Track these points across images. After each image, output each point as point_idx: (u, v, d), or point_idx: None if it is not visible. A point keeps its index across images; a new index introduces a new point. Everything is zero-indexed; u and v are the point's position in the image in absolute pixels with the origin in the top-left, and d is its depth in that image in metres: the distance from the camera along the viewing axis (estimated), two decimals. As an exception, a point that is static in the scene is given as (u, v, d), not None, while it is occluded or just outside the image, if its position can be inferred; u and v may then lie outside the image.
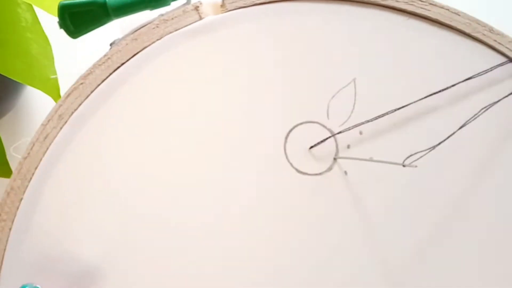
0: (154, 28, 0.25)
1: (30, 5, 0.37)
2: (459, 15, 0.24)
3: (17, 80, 0.36)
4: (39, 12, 0.35)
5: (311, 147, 0.24)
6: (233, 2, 0.25)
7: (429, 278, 0.23)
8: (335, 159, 0.24)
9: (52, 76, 0.34)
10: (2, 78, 0.35)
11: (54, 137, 0.25)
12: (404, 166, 0.22)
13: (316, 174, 0.24)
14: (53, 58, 0.37)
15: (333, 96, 0.24)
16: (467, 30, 0.24)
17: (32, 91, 0.45)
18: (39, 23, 0.37)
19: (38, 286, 0.23)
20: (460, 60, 0.25)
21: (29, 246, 0.23)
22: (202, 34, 0.25)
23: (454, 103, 0.24)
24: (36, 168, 0.24)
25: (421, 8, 0.25)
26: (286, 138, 0.24)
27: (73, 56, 0.39)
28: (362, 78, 0.24)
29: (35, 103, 0.45)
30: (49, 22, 0.32)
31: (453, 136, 0.23)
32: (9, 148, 0.34)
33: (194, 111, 0.25)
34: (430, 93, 0.24)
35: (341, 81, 0.24)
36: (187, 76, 0.25)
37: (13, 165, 0.32)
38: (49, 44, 0.37)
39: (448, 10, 0.24)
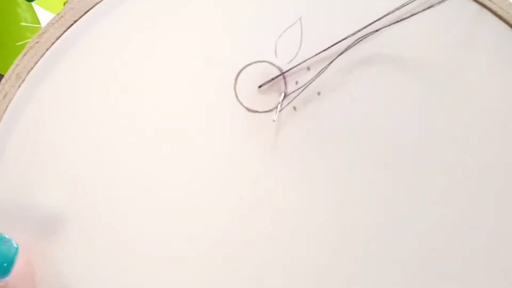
0: (104, -17, 0.26)
1: (30, 5, 0.37)
2: None
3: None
4: (39, 12, 0.36)
5: (260, 86, 0.24)
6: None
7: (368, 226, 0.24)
8: (284, 95, 0.24)
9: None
10: (1, 78, 0.36)
11: (13, 95, 0.26)
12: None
13: (266, 112, 0.24)
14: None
15: (280, 36, 0.25)
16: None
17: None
18: (39, 22, 0.38)
19: (8, 237, 0.24)
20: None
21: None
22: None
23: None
24: (-3, 125, 0.25)
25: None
26: (236, 79, 0.25)
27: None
28: (308, 16, 0.25)
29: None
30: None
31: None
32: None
33: (147, 62, 0.25)
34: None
35: (288, 20, 0.25)
36: (139, 28, 0.26)
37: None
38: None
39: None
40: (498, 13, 0.24)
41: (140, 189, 0.24)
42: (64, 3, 0.28)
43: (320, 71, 0.24)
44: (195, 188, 0.24)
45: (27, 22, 0.37)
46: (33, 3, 0.37)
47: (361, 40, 0.24)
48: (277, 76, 0.24)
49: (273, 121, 0.24)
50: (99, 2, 0.26)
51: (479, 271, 0.23)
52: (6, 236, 0.23)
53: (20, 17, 0.37)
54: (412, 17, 0.24)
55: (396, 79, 0.24)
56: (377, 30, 0.24)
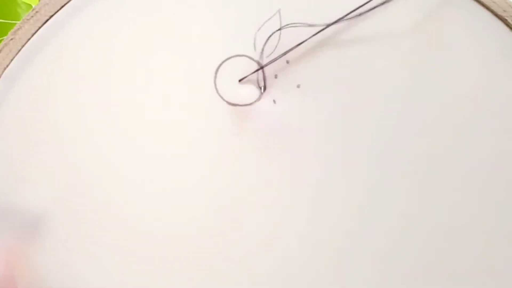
0: (80, -23, 0.26)
1: (30, 5, 0.37)
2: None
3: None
4: None
5: (240, 80, 0.25)
6: None
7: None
8: (262, 88, 0.24)
9: None
10: None
11: (-11, 94, 0.25)
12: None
13: (246, 105, 0.24)
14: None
15: (259, 29, 0.25)
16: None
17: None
18: None
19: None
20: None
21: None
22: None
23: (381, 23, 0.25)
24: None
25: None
26: (216, 73, 0.25)
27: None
28: (287, 8, 0.25)
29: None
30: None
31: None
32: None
33: (125, 58, 0.25)
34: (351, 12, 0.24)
35: (267, 12, 0.25)
36: (117, 23, 0.25)
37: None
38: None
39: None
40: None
41: (121, 189, 0.24)
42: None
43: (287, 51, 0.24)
44: (173, 184, 0.24)
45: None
46: (33, 4, 0.37)
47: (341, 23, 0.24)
48: (256, 71, 0.25)
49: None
50: (75, -4, 0.26)
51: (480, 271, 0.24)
52: None
53: (20, 17, 0.37)
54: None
55: (381, 70, 0.25)
56: (359, 15, 0.24)
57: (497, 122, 0.24)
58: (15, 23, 0.25)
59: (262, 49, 0.24)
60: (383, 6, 0.24)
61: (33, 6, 0.36)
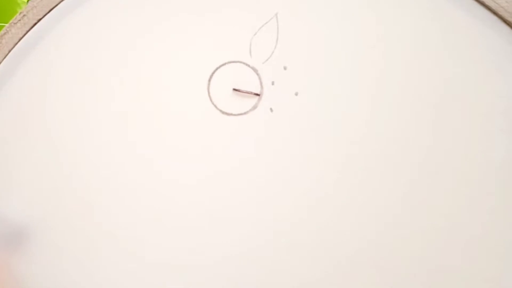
0: (68, -20, 0.24)
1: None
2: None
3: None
4: None
5: (235, 88, 0.23)
6: None
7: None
8: (258, 95, 0.23)
9: None
10: None
11: (-25, 100, 0.24)
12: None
13: (240, 114, 0.23)
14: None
15: (255, 34, 0.23)
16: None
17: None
18: None
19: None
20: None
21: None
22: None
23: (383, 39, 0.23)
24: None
25: None
26: (209, 80, 0.23)
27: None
28: (284, 11, 0.23)
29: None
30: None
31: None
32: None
33: (115, 63, 0.24)
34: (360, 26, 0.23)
35: (263, 16, 0.24)
36: (106, 27, 0.24)
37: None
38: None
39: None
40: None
41: (108, 198, 0.23)
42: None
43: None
44: (164, 194, 0.23)
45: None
46: None
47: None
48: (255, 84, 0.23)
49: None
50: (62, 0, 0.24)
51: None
52: None
53: None
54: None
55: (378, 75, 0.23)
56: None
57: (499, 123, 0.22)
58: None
59: (258, 55, 0.23)
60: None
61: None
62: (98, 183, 0.23)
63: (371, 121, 0.22)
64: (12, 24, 0.24)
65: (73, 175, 0.24)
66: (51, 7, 0.24)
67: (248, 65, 0.23)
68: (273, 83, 0.23)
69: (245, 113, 0.23)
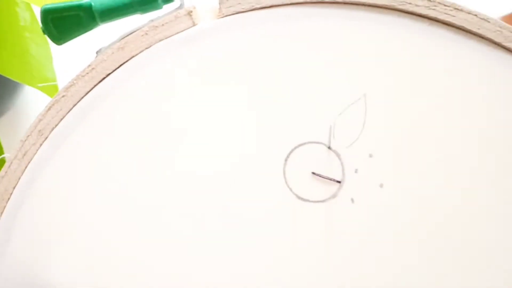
0: (142, 35, 0.23)
1: (29, 4, 0.36)
2: (488, 21, 0.21)
3: (16, 80, 0.35)
4: (38, 11, 0.34)
5: (314, 172, 0.21)
6: (230, 7, 0.23)
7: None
8: (339, 182, 0.21)
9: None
10: (0, 78, 0.34)
11: (34, 155, 0.23)
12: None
13: (318, 201, 0.21)
14: (51, 57, 0.37)
15: (340, 114, 0.21)
16: (498, 39, 0.21)
17: (30, 90, 0.44)
18: (37, 22, 0.36)
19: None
20: (489, 72, 0.22)
21: (2, 274, 0.22)
22: (195, 41, 0.23)
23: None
24: (14, 187, 0.23)
25: (445, 13, 0.21)
26: (286, 160, 0.21)
27: (72, 55, 0.38)
28: (374, 93, 0.22)
29: (34, 103, 0.45)
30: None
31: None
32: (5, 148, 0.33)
33: (187, 133, 0.22)
34: (460, 111, 0.21)
35: (350, 96, 0.22)
36: (178, 88, 0.23)
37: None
38: (47, 44, 0.37)
39: (476, 16, 0.21)
40: None
41: (158, 273, 0.22)
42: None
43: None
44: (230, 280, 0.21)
45: (25, 22, 0.36)
46: (32, 4, 0.35)
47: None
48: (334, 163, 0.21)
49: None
50: (136, 55, 0.23)
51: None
52: None
53: (19, 17, 0.36)
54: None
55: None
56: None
57: None
58: (14, 23, 0.22)
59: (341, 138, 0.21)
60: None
61: (32, 6, 0.35)
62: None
63: (462, 228, 0.20)
64: (80, 76, 0.23)
65: (120, 251, 0.22)
66: (122, 62, 0.23)
67: (330, 148, 0.21)
68: (356, 171, 0.21)
69: (323, 201, 0.21)
